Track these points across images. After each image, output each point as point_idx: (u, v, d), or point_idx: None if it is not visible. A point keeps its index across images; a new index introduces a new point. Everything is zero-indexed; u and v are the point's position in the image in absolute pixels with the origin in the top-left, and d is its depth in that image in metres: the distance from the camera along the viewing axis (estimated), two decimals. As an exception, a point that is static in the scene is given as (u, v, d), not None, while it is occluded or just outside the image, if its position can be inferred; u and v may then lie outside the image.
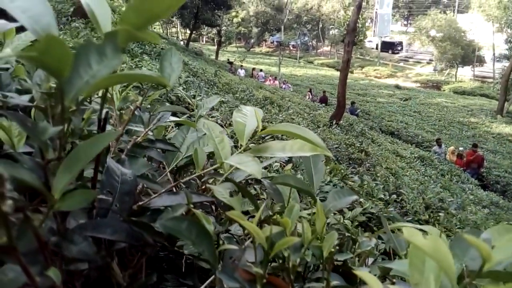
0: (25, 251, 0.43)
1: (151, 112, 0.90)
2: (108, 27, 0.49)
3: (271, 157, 0.75)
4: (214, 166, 0.72)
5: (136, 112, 0.83)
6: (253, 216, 0.82)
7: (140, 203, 0.66)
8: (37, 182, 0.40)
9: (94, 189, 0.58)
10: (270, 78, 26.28)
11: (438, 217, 5.11)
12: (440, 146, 14.07)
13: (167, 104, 1.19)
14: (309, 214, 0.87)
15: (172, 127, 1.94)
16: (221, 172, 0.84)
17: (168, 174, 1.46)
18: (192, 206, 0.64)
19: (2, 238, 0.35)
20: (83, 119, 0.65)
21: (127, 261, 0.72)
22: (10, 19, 0.46)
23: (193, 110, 2.32)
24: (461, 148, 13.81)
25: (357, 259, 0.82)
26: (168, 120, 1.11)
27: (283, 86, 24.14)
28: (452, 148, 13.67)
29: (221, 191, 0.65)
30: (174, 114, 3.51)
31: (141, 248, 0.64)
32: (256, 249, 0.57)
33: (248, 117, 0.74)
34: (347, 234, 0.87)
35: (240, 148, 0.69)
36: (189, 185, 1.46)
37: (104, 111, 0.57)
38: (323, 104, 18.60)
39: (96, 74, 0.42)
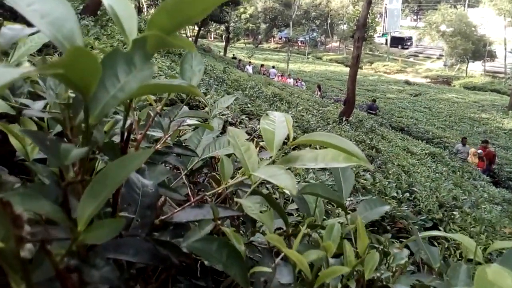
0: (40, 281, 0.39)
1: (170, 117, 0.85)
2: (134, 32, 0.44)
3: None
4: (242, 178, 0.68)
5: (156, 118, 0.79)
6: (279, 228, 0.77)
7: (162, 217, 0.62)
8: (59, 215, 0.36)
9: (116, 205, 0.54)
10: (280, 75, 25.85)
11: (452, 216, 5.03)
12: (464, 145, 13.79)
13: (184, 106, 1.14)
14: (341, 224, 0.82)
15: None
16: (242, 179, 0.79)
17: (184, 177, 1.42)
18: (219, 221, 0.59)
19: (21, 286, 0.31)
20: (105, 132, 0.60)
21: (147, 277, 0.68)
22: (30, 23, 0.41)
23: (204, 108, 2.28)
24: (479, 151, 13.22)
25: (390, 273, 0.77)
26: (185, 124, 1.07)
27: (297, 84, 23.65)
28: (473, 150, 13.16)
29: (251, 206, 0.60)
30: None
31: (165, 269, 0.60)
32: (295, 275, 0.52)
33: (277, 125, 0.69)
34: (380, 247, 0.82)
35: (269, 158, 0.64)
36: (204, 187, 1.41)
37: (128, 122, 0.53)
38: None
39: (124, 87, 0.37)
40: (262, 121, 0.69)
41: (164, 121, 0.85)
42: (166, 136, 0.80)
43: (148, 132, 0.94)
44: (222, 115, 5.09)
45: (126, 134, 0.52)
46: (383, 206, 0.80)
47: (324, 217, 0.93)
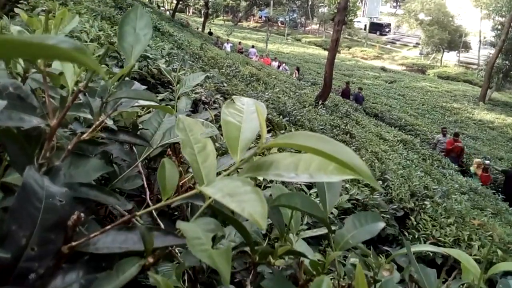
0: None
1: (103, 97, 0.65)
2: None
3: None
4: (190, 193, 0.49)
5: (81, 97, 0.59)
6: (243, 252, 0.59)
7: (74, 243, 0.43)
8: None
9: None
10: (260, 56, 24.64)
11: (423, 206, 5.02)
12: (444, 135, 13.38)
13: (136, 82, 0.93)
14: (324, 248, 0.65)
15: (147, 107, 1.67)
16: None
17: (140, 165, 1.22)
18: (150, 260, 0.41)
19: None
20: None
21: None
22: None
23: (174, 85, 2.06)
24: (487, 162, 12.06)
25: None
26: (135, 105, 0.86)
27: (280, 68, 22.00)
28: (478, 160, 11.90)
29: (199, 238, 0.41)
30: (149, 88, 3.12)
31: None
32: None
33: (245, 116, 0.50)
34: (369, 274, 0.67)
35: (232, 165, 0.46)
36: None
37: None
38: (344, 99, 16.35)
39: None
40: (224, 110, 0.50)
41: (95, 101, 0.64)
42: (98, 122, 0.60)
43: (84, 115, 0.74)
44: (195, 93, 4.85)
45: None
46: (377, 222, 0.64)
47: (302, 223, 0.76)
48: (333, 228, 0.72)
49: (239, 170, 0.44)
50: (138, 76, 4.15)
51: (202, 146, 0.48)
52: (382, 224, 0.64)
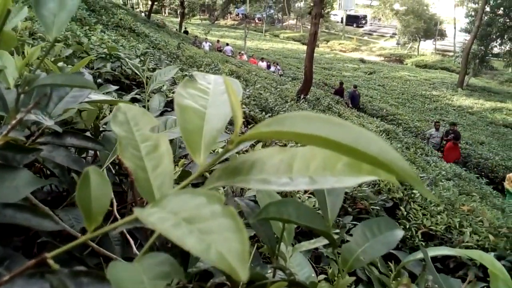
0: None
1: (19, 88, 0.48)
2: None
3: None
4: (128, 218, 0.33)
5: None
6: (223, 285, 0.45)
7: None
8: None
9: None
10: (240, 53, 23.71)
11: (412, 195, 4.95)
12: (437, 129, 12.67)
13: (86, 73, 0.78)
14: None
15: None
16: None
17: (105, 172, 1.06)
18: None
19: None
20: None
21: None
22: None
23: (144, 83, 1.90)
24: None
25: None
26: (86, 101, 0.71)
27: (272, 68, 20.19)
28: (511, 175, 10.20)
29: None
30: (123, 89, 2.92)
31: None
32: None
33: (212, 100, 0.34)
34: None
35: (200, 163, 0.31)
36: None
37: None
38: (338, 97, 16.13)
39: None
40: (180, 91, 0.34)
41: (10, 94, 0.49)
42: (14, 121, 0.44)
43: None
44: (173, 92, 4.66)
45: None
46: (392, 230, 0.50)
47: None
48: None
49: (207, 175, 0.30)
50: (111, 78, 3.96)
51: (152, 146, 0.32)
52: (400, 233, 0.50)
